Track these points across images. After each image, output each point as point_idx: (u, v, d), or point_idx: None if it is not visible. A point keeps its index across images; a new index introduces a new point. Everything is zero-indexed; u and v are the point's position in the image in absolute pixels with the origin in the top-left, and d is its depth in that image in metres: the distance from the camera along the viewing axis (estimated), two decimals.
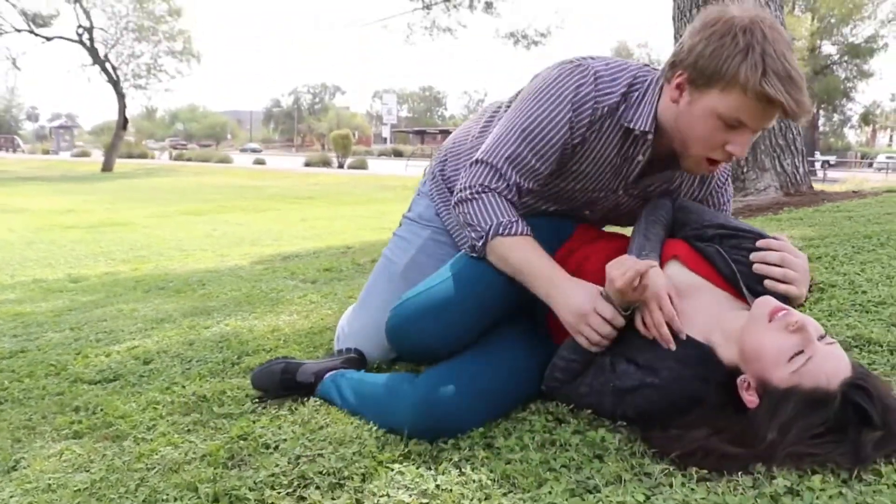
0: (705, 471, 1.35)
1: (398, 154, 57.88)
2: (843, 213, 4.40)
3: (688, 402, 1.53)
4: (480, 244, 1.79)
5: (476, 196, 1.83)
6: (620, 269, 1.58)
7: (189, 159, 47.75)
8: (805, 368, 1.41)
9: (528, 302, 1.79)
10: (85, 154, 54.96)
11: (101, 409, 2.08)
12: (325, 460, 1.57)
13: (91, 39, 34.89)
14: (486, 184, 1.83)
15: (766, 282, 1.65)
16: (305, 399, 1.98)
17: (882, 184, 11.25)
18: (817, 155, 48.92)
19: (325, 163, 40.56)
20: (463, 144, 2.19)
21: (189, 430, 1.87)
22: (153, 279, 5.29)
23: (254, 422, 1.86)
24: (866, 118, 55.35)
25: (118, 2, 36.34)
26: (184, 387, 2.23)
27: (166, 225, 11.70)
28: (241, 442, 1.73)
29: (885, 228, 3.57)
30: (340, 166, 39.22)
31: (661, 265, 1.71)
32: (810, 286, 1.81)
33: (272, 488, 1.47)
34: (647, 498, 1.28)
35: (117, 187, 23.50)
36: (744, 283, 1.67)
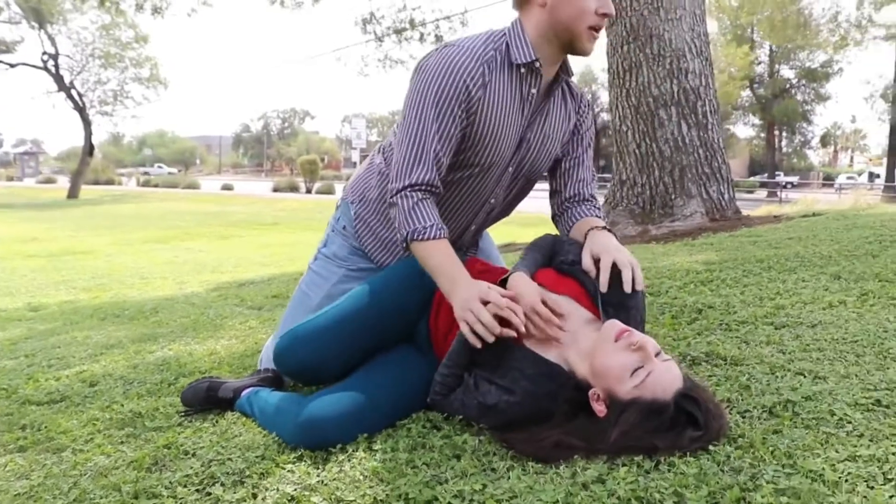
0: (541, 465, 1.64)
1: None
2: (752, 238, 4.75)
3: (541, 415, 1.82)
4: (404, 245, 2.08)
5: (397, 201, 2.08)
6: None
7: (156, 185, 47.70)
8: (645, 382, 1.70)
9: (410, 324, 2.09)
10: (50, 181, 54.65)
11: (45, 427, 2.32)
12: (233, 463, 1.84)
13: (56, 66, 34.96)
14: (400, 188, 2.07)
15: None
16: (227, 412, 2.25)
17: (830, 205, 11.72)
18: (781, 176, 50.09)
19: (293, 188, 40.76)
20: (372, 174, 2.42)
21: (122, 442, 2.12)
22: (111, 307, 5.50)
23: (179, 433, 2.12)
24: (824, 140, 56.57)
25: (84, 29, 36.46)
26: (122, 405, 2.48)
27: (129, 252, 11.87)
28: (165, 450, 1.99)
29: (779, 253, 3.91)
30: (308, 191, 39.46)
31: None
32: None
33: (184, 486, 1.74)
34: (484, 486, 1.56)
35: (82, 214, 23.55)
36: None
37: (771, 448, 1.59)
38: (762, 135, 49.99)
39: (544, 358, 1.89)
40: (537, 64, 2.10)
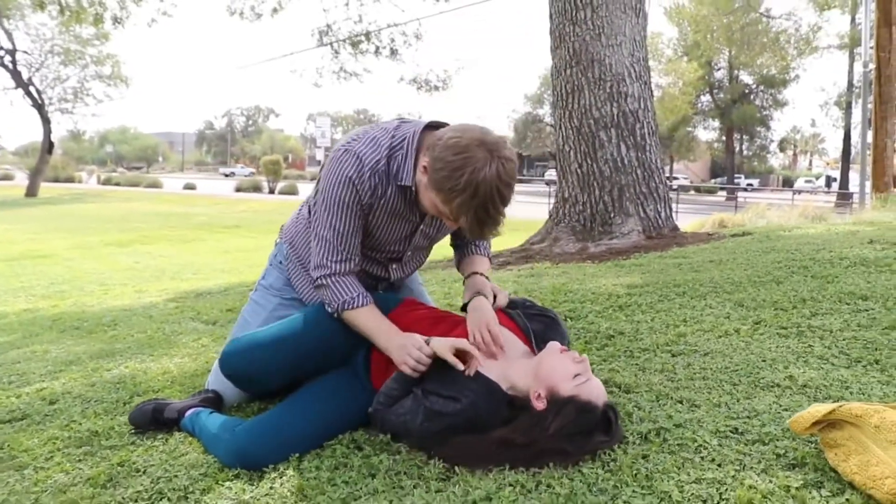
0: (441, 483, 1.92)
1: None
2: (679, 259, 5.08)
3: (479, 424, 2.11)
4: (336, 315, 2.40)
5: (322, 281, 2.41)
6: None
7: (118, 184, 47.32)
8: (584, 385, 2.08)
9: (347, 354, 2.38)
10: (8, 177, 53.97)
11: (8, 445, 2.55)
12: (179, 480, 2.10)
13: (14, 62, 34.61)
14: (322, 274, 2.41)
15: None
16: (177, 431, 2.50)
17: (782, 212, 12.17)
18: (742, 179, 51.48)
19: (256, 188, 40.74)
20: (300, 224, 2.72)
21: (80, 460, 2.36)
22: (70, 317, 5.69)
23: (132, 451, 2.36)
24: (782, 145, 57.71)
25: (42, 25, 36.11)
26: (80, 423, 2.71)
27: (89, 257, 11.97)
28: (119, 468, 2.24)
29: (697, 277, 4.24)
30: (271, 191, 39.47)
31: None
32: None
33: (135, 501, 2.00)
34: (391, 502, 1.84)
35: (41, 214, 23.44)
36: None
37: (635, 472, 1.88)
38: (723, 138, 50.94)
39: (487, 376, 2.20)
40: (413, 189, 2.34)
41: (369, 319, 2.37)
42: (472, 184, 2.06)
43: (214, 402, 2.61)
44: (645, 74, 6.80)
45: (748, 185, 50.27)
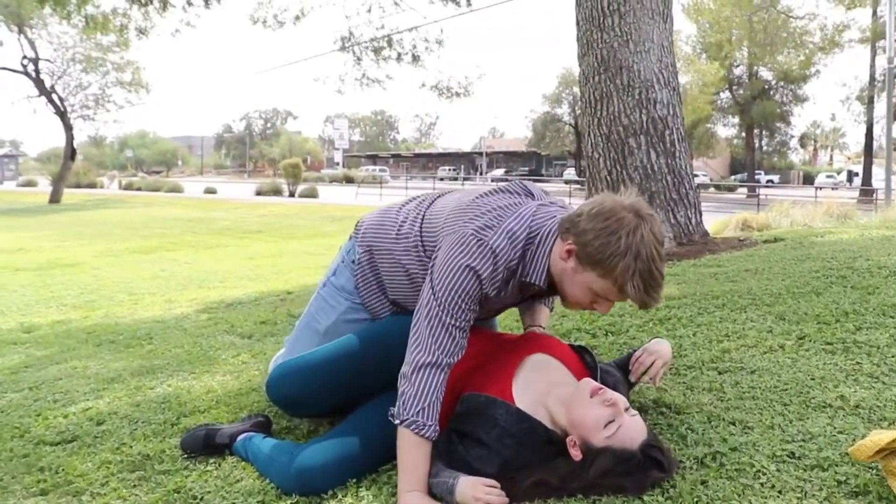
0: None
1: (349, 180, 58.88)
2: (714, 268, 5.06)
3: (521, 465, 2.10)
4: (396, 420, 2.14)
5: (412, 377, 2.12)
6: None
7: (139, 188, 47.67)
8: (616, 434, 2.01)
9: (395, 374, 2.36)
10: (31, 184, 54.48)
11: (63, 469, 2.58)
12: None
13: (37, 70, 34.96)
14: (423, 363, 2.12)
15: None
16: (228, 455, 2.52)
17: (805, 211, 12.08)
18: (762, 175, 51.36)
19: (276, 191, 40.92)
20: (387, 235, 2.56)
21: (135, 486, 2.39)
22: (103, 330, 5.73)
23: (186, 477, 2.39)
24: (803, 140, 57.40)
25: (64, 33, 36.42)
26: (131, 447, 2.74)
27: (115, 265, 12.05)
28: (175, 494, 2.27)
29: (735, 288, 4.22)
30: (291, 195, 39.60)
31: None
32: None
33: None
34: None
35: (66, 221, 23.63)
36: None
37: (696, 499, 1.88)
38: (743, 134, 50.70)
39: (527, 414, 2.16)
40: (543, 287, 2.25)
41: (413, 452, 2.09)
42: (631, 246, 2.02)
43: (264, 425, 2.64)
44: (673, 80, 6.78)
45: (769, 181, 50.15)
